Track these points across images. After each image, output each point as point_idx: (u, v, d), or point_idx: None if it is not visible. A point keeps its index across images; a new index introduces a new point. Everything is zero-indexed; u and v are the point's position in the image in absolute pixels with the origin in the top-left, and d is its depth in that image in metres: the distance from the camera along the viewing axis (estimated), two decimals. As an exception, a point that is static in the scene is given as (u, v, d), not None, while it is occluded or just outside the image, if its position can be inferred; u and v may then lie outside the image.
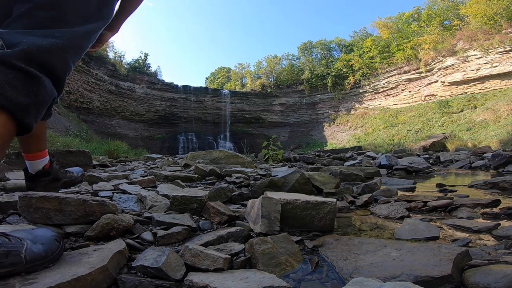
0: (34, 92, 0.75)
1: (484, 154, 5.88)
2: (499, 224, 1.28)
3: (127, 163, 5.48)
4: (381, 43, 30.65)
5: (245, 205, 1.61)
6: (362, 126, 28.93)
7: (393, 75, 29.16)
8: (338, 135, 30.90)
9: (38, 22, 0.82)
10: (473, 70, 22.31)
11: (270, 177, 2.14)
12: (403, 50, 28.14)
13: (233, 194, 1.85)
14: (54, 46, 0.79)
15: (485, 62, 21.52)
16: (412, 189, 2.47)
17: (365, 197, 1.90)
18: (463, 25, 24.76)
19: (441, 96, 24.53)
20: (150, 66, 33.35)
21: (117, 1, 1.16)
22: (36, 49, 0.75)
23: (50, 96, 0.82)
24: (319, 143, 31.21)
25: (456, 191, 2.30)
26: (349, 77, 32.46)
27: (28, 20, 0.82)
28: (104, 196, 1.69)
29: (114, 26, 1.30)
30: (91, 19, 0.95)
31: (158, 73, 34.30)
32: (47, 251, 0.77)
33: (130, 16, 1.31)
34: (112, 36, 1.36)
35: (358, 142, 24.47)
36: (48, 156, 1.43)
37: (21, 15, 0.82)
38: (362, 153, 8.45)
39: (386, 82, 29.79)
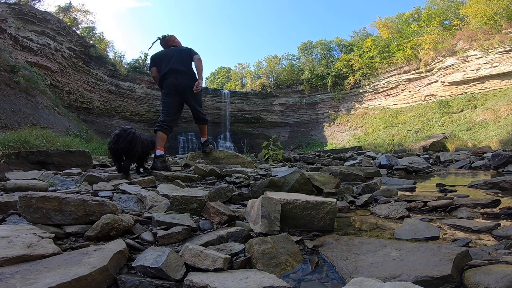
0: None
1: (484, 154, 5.87)
2: (499, 224, 1.28)
3: (127, 163, 5.45)
4: (381, 43, 30.59)
5: (245, 205, 1.61)
6: (362, 126, 28.91)
7: (393, 75, 29.12)
8: (338, 135, 30.88)
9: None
10: (473, 70, 22.27)
11: (270, 177, 2.14)
12: (403, 50, 28.08)
13: (233, 194, 1.85)
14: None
15: (485, 62, 21.48)
16: (412, 189, 2.47)
17: (365, 197, 1.90)
18: (463, 25, 24.71)
19: (441, 96, 24.49)
20: (150, 66, 33.26)
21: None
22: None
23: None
24: (319, 143, 31.18)
25: (456, 191, 2.30)
26: (349, 77, 32.40)
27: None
28: (104, 196, 1.69)
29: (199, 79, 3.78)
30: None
31: (158, 73, 34.18)
32: None
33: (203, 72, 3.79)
34: (202, 81, 3.78)
35: (358, 142, 24.44)
36: (163, 150, 3.46)
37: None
38: (362, 153, 8.44)
39: (386, 82, 29.75)
